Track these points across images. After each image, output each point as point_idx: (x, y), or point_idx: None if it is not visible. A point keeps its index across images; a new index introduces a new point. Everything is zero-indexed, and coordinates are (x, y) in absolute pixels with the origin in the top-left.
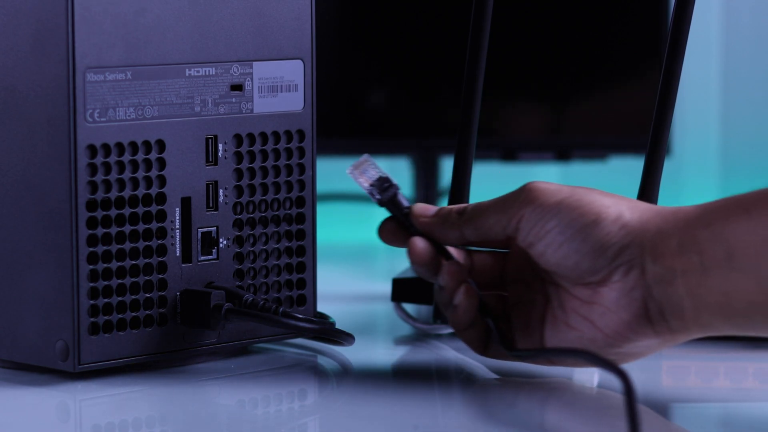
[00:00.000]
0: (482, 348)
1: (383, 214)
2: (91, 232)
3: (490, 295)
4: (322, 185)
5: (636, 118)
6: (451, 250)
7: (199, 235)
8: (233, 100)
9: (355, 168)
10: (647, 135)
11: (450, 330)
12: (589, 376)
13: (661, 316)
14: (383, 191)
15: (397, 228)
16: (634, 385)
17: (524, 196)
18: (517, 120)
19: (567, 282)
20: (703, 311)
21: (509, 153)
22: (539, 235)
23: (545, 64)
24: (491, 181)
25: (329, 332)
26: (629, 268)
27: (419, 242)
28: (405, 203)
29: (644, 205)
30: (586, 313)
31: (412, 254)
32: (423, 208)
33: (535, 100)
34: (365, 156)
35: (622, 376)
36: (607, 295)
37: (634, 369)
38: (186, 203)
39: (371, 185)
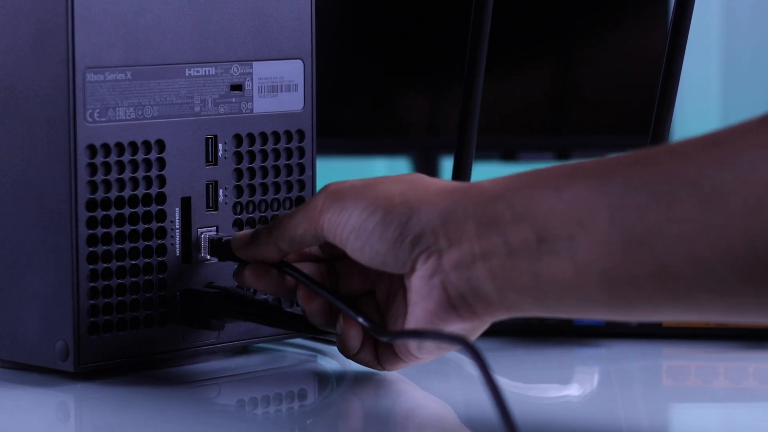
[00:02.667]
0: (380, 364)
1: None
2: (91, 232)
3: (365, 302)
4: (322, 185)
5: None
6: (312, 272)
7: (199, 234)
8: (233, 100)
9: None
10: (647, 135)
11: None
12: (590, 377)
13: (464, 301)
14: (217, 249)
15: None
16: (480, 351)
17: (321, 203)
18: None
19: (396, 275)
20: (509, 294)
21: (509, 153)
22: (343, 241)
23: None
24: None
25: (329, 332)
26: (428, 255)
27: (244, 273)
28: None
29: (437, 186)
30: (409, 303)
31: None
32: (239, 238)
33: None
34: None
35: (466, 344)
36: (414, 284)
37: (633, 369)
38: (186, 203)
39: (209, 255)
